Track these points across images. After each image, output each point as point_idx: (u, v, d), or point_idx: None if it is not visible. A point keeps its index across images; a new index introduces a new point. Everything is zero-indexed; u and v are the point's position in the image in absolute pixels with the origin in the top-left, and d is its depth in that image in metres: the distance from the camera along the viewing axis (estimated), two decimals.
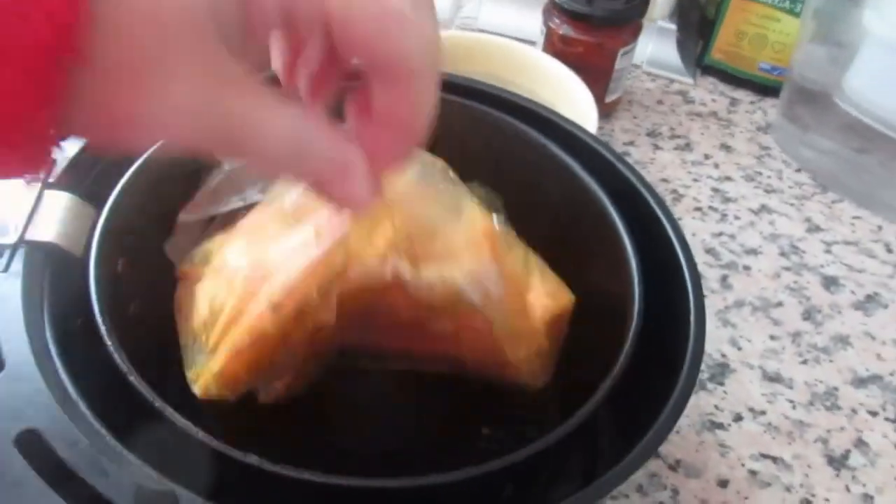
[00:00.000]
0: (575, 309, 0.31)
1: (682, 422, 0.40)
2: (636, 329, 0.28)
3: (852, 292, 0.48)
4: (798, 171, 0.57)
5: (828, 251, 0.51)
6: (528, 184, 0.36)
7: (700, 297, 0.29)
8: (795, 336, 0.45)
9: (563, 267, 0.32)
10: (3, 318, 0.24)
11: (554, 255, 0.32)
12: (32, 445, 0.21)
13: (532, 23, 0.63)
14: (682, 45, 0.65)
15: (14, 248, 0.26)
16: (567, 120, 0.38)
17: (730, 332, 0.45)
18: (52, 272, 0.26)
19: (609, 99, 0.58)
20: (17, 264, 0.26)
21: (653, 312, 0.29)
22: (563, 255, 0.32)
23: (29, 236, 0.26)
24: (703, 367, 0.43)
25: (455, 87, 0.38)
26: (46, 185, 0.28)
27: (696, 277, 0.30)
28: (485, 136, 0.36)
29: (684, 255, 0.31)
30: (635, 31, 0.55)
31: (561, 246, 0.33)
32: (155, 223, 0.33)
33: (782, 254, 0.50)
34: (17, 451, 0.21)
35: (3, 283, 0.25)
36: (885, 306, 0.48)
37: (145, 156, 0.31)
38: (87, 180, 0.30)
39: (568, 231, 0.34)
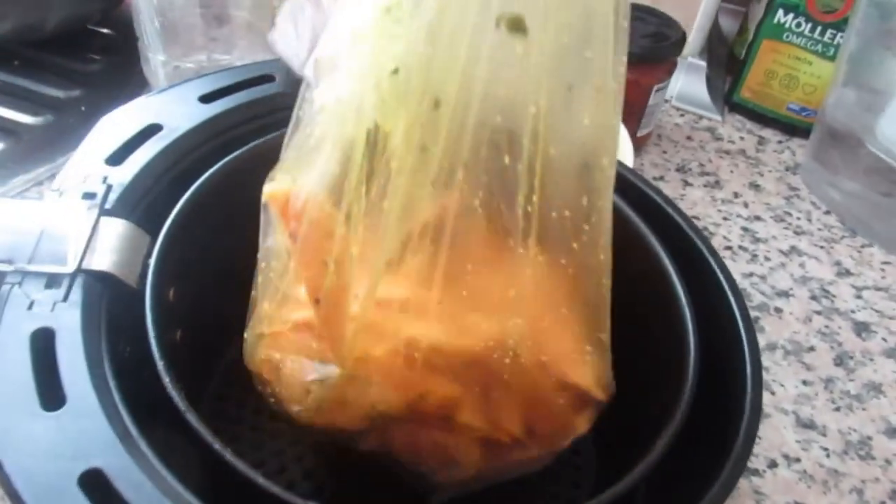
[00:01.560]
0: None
1: None
2: (691, 388, 0.27)
3: (884, 339, 0.48)
4: (827, 213, 0.57)
5: (858, 296, 0.51)
6: None
7: (758, 374, 0.29)
8: (828, 382, 0.45)
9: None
10: (64, 349, 0.24)
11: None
12: (97, 487, 0.20)
13: None
14: (710, 82, 0.65)
15: (73, 277, 0.26)
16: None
17: (763, 375, 0.45)
18: (109, 302, 0.26)
19: (640, 133, 0.58)
20: (76, 294, 0.25)
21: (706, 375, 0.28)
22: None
23: (86, 265, 0.26)
24: None
25: None
26: (103, 212, 0.28)
27: (755, 349, 0.29)
28: None
29: (744, 326, 0.30)
30: (670, 69, 0.55)
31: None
32: (203, 252, 0.33)
33: (813, 297, 0.50)
34: (82, 492, 0.20)
35: (63, 314, 0.24)
36: None
37: (196, 185, 0.31)
38: (140, 207, 0.30)
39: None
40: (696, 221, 0.55)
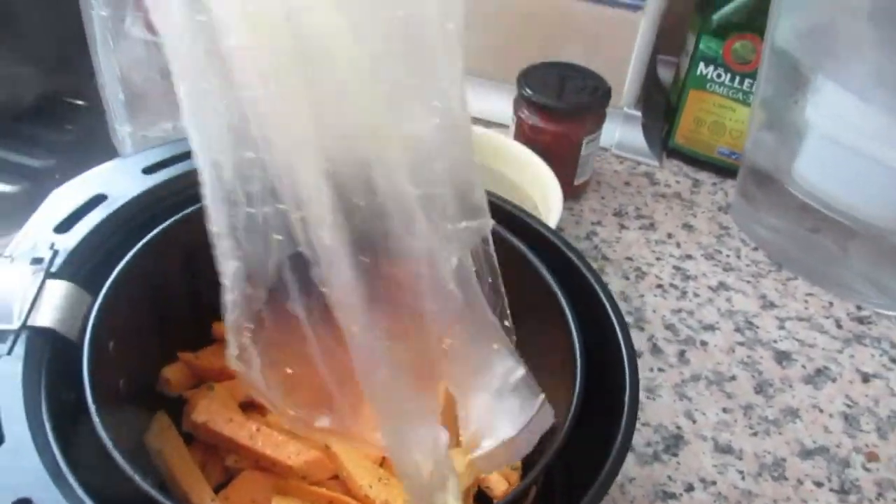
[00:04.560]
0: None
1: (637, 492, 0.42)
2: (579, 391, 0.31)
3: (803, 366, 0.51)
4: (755, 249, 0.61)
5: (781, 327, 0.54)
6: None
7: (634, 370, 0.32)
8: (747, 409, 0.48)
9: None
10: (5, 396, 0.27)
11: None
12: None
13: (500, 107, 0.67)
14: (647, 130, 0.70)
15: (17, 333, 0.29)
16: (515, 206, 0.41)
17: (685, 404, 0.48)
18: (50, 355, 0.30)
19: (578, 181, 0.62)
20: (19, 348, 0.29)
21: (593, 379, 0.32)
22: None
23: (31, 322, 0.30)
24: (658, 438, 0.46)
25: None
26: (48, 275, 0.32)
27: (631, 349, 0.33)
28: None
29: (622, 334, 0.34)
30: (598, 121, 0.60)
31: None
32: (144, 306, 0.37)
33: (737, 329, 0.54)
34: None
35: (6, 365, 0.28)
36: (834, 380, 0.50)
37: (134, 250, 0.34)
38: (83, 270, 0.33)
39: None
40: (630, 262, 0.58)
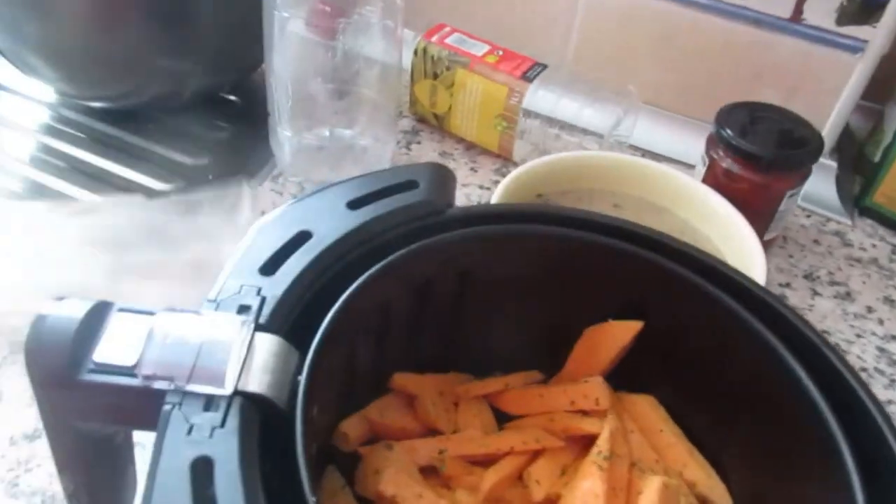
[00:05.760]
0: None
1: None
2: None
3: None
4: None
5: None
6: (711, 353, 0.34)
7: None
8: None
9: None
10: (222, 481, 0.23)
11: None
12: None
13: (685, 146, 0.62)
14: (840, 184, 0.62)
15: (230, 400, 0.25)
16: (749, 280, 0.35)
17: None
18: (261, 425, 0.26)
19: (767, 237, 0.55)
20: (232, 419, 0.25)
21: None
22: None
23: (242, 387, 0.26)
24: None
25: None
26: (257, 327, 0.28)
27: None
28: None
29: None
30: (805, 175, 0.53)
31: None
32: (340, 362, 0.33)
33: None
34: None
35: (222, 441, 0.24)
36: None
37: (343, 300, 0.30)
38: (290, 321, 0.30)
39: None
40: (827, 336, 0.52)
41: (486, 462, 0.36)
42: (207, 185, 0.57)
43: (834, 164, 0.62)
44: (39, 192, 0.55)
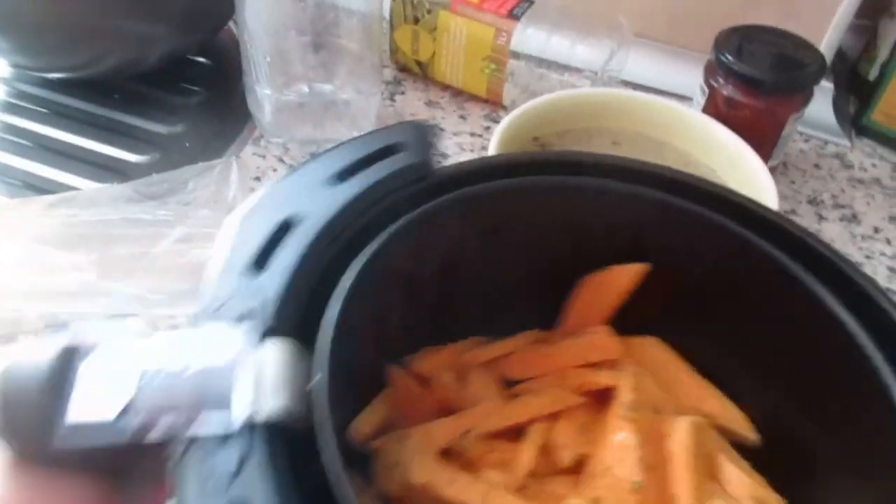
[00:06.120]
0: None
1: None
2: None
3: None
4: None
5: None
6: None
7: None
8: None
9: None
10: None
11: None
12: None
13: (679, 78, 0.60)
14: (836, 105, 0.61)
15: (250, 430, 0.22)
16: (794, 224, 0.33)
17: None
18: (282, 445, 0.23)
19: (770, 164, 0.54)
20: (258, 450, 0.22)
21: None
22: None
23: (257, 408, 0.22)
24: None
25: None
26: (264, 334, 0.25)
27: None
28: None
29: None
30: (807, 98, 0.52)
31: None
32: (352, 357, 0.31)
33: None
34: None
35: (251, 476, 0.21)
36: None
37: (350, 286, 0.27)
38: (293, 319, 0.26)
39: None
40: None
41: (502, 435, 0.34)
42: (186, 154, 0.54)
43: (830, 86, 0.61)
44: (6, 173, 0.52)
